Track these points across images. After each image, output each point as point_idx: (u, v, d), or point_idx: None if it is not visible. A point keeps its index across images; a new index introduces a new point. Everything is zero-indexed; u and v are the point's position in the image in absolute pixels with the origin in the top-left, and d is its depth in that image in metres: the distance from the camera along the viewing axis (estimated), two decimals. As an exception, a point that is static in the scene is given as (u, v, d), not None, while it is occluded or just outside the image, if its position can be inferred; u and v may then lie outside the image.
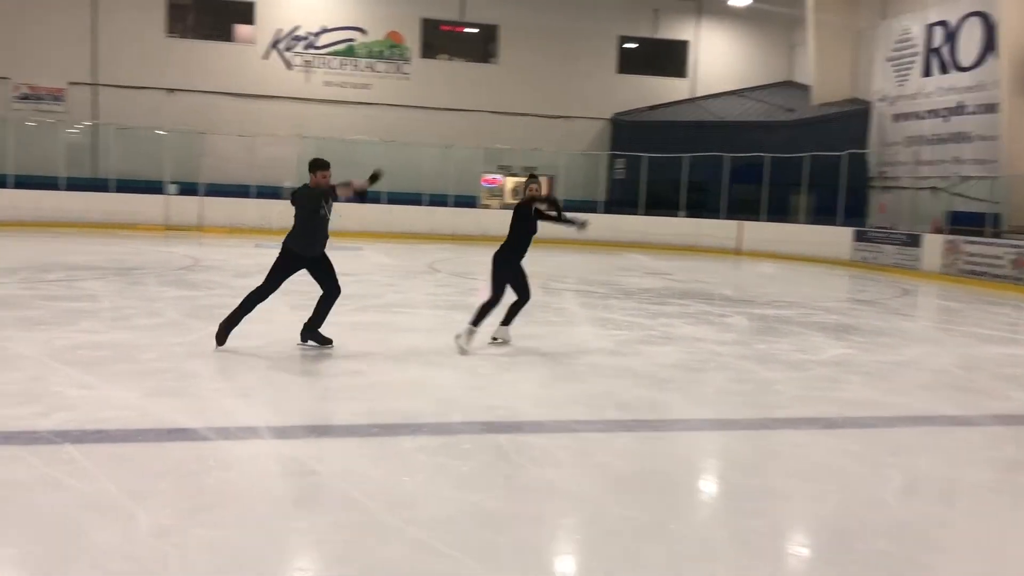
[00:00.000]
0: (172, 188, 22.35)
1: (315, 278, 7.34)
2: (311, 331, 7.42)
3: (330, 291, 7.32)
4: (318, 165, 7.03)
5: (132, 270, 13.18)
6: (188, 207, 21.84)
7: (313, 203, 7.06)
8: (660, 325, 9.83)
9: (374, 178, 7.07)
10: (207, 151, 24.04)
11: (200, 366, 6.63)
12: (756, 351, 8.47)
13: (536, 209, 7.66)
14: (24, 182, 21.61)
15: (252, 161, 24.07)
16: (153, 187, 22.26)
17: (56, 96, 24.61)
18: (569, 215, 7.83)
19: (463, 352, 7.42)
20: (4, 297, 9.68)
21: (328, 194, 7.06)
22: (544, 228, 7.77)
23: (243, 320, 7.16)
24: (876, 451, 5.29)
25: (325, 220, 7.19)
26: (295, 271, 7.24)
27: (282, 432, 5.11)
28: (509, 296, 7.73)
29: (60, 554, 3.35)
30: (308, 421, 5.47)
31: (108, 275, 12.31)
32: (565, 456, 4.89)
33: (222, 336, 7.14)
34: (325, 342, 7.44)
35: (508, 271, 7.69)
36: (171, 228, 21.45)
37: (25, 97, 24.38)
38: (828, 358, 8.39)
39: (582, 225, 7.88)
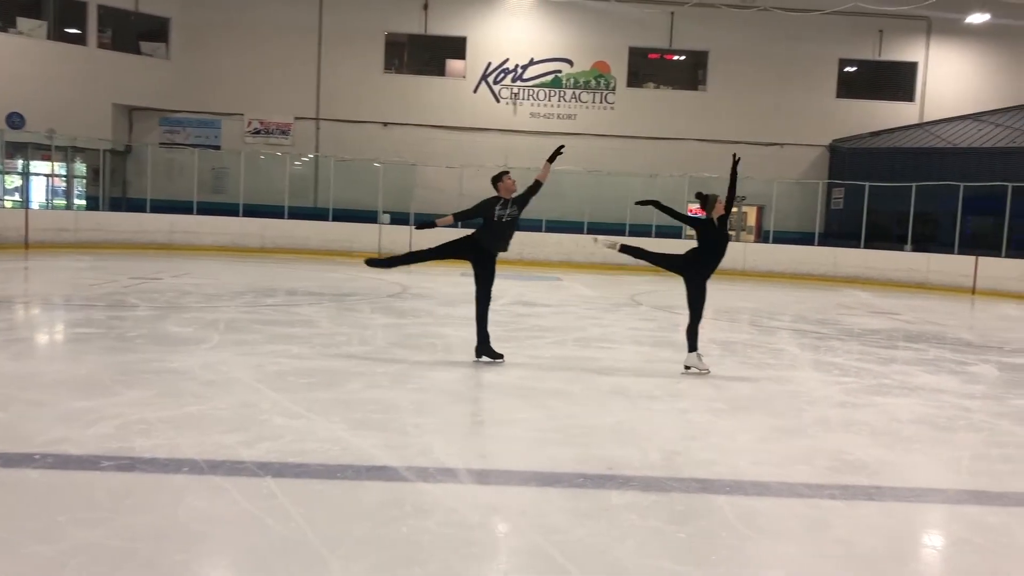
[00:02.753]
0: (385, 217, 23.28)
1: (476, 273, 7.98)
2: (483, 347, 8.03)
3: (483, 295, 7.96)
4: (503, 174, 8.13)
5: (346, 296, 13.61)
6: (399, 236, 22.60)
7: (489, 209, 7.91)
8: (894, 372, 8.79)
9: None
10: (418, 182, 24.85)
11: (403, 398, 6.50)
12: (1013, 408, 7.34)
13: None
14: (252, 211, 23.24)
15: (460, 191, 24.62)
16: (369, 216, 23.27)
17: (284, 131, 26.43)
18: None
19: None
20: (227, 320, 10.15)
21: (508, 201, 7.93)
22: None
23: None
24: None
25: (505, 223, 7.90)
26: (465, 256, 8.00)
27: (481, 476, 4.79)
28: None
29: (250, 605, 3.15)
30: (508, 465, 5.11)
31: (324, 300, 12.77)
32: (798, 527, 4.24)
33: (377, 264, 8.82)
34: (496, 356, 7.99)
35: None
36: (383, 256, 22.25)
37: (256, 132, 26.35)
38: (1108, 421, 7.10)
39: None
